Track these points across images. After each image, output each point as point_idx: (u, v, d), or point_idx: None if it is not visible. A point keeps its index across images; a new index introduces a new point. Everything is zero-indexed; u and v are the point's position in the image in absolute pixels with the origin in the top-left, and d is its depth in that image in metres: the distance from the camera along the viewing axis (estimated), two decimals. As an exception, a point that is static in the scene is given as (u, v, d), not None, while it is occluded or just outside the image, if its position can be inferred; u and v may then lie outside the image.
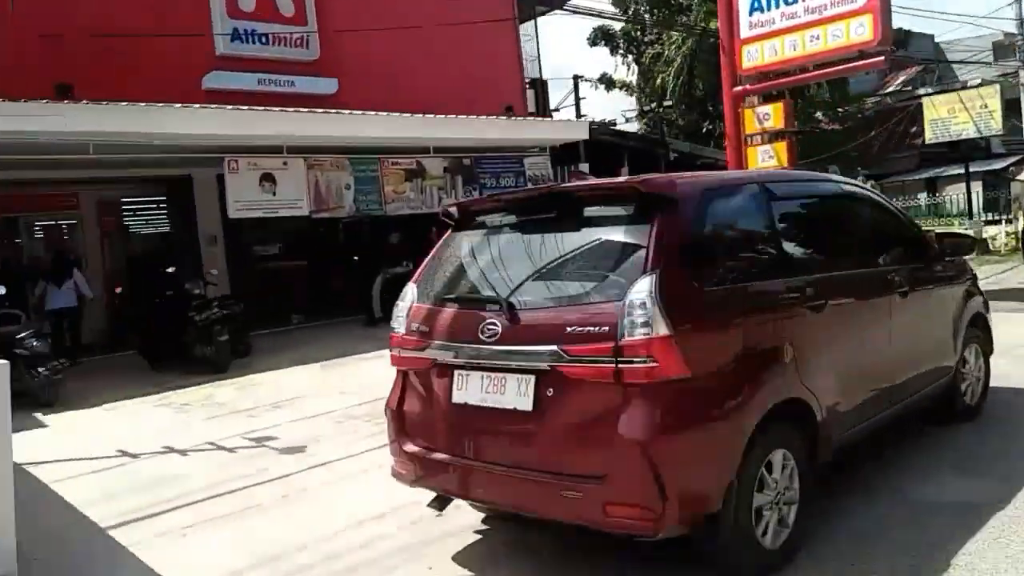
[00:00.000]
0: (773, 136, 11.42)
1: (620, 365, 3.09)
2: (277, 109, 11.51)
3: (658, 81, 28.30)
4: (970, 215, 20.37)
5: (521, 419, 3.36)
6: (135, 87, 11.15)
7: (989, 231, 17.50)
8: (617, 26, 31.56)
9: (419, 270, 4.20)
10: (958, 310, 5.12)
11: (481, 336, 3.49)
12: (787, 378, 3.57)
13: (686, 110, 26.74)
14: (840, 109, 28.21)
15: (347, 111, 12.42)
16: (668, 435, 3.07)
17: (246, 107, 11.17)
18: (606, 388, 3.15)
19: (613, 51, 31.99)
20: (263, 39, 12.63)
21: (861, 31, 9.79)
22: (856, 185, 4.92)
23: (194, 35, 11.70)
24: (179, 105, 10.53)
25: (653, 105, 30.77)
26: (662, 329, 3.07)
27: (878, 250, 4.66)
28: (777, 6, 10.74)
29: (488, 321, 3.49)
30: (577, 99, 16.64)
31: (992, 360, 6.49)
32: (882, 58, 10.08)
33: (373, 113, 12.38)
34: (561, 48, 62.19)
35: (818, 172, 5.00)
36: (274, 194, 11.84)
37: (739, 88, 11.50)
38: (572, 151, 16.78)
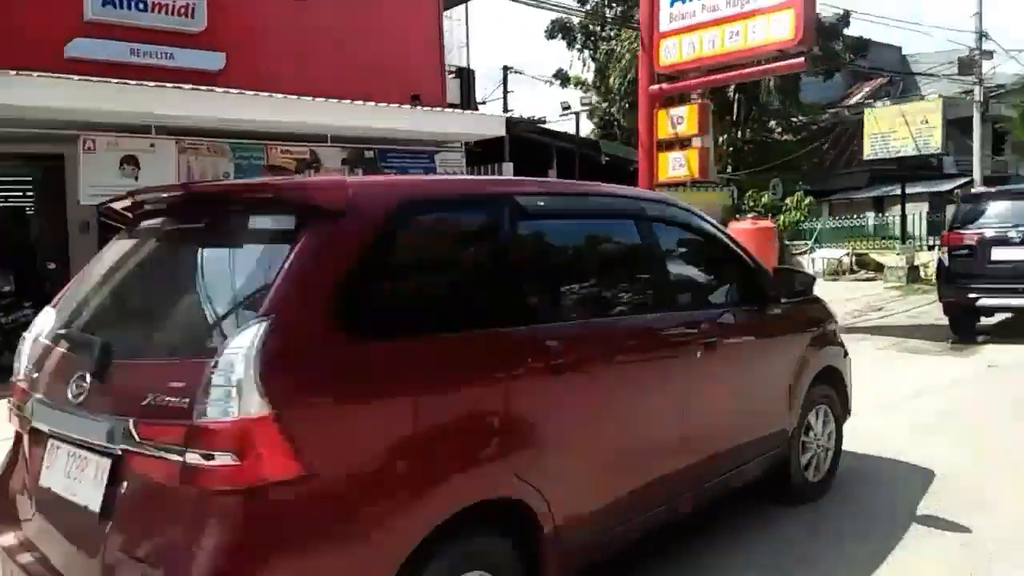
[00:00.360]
0: (684, 142, 10.56)
1: (189, 459, 2.07)
2: (134, 82, 10.29)
3: (611, 80, 27.43)
4: (903, 239, 19.62)
5: (88, 523, 2.31)
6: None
7: (922, 258, 16.75)
8: (576, 19, 30.53)
9: (63, 289, 3.15)
10: (799, 363, 4.11)
11: (70, 394, 2.46)
12: (491, 469, 2.58)
13: (629, 110, 25.71)
14: (793, 119, 27.53)
15: (227, 89, 11.23)
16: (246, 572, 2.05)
17: (95, 78, 9.94)
18: (176, 491, 2.13)
19: (570, 45, 30.92)
20: (140, 5, 11.37)
21: (781, 29, 8.94)
22: (668, 203, 3.86)
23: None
24: (14, 72, 9.31)
25: (600, 103, 29.80)
26: (255, 407, 2.04)
27: (685, 289, 3.70)
28: (701, -4, 9.88)
29: (81, 373, 2.45)
30: (505, 92, 15.63)
31: (873, 415, 5.63)
32: (802, 59, 9.21)
33: (253, 93, 11.19)
34: (520, 41, 61.23)
35: (623, 187, 3.94)
36: (136, 179, 10.64)
37: (655, 87, 10.59)
38: (495, 149, 15.80)
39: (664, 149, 10.69)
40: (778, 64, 9.42)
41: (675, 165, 10.49)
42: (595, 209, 3.46)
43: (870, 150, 20.78)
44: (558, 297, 3.10)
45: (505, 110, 16.19)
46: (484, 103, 19.25)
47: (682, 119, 10.34)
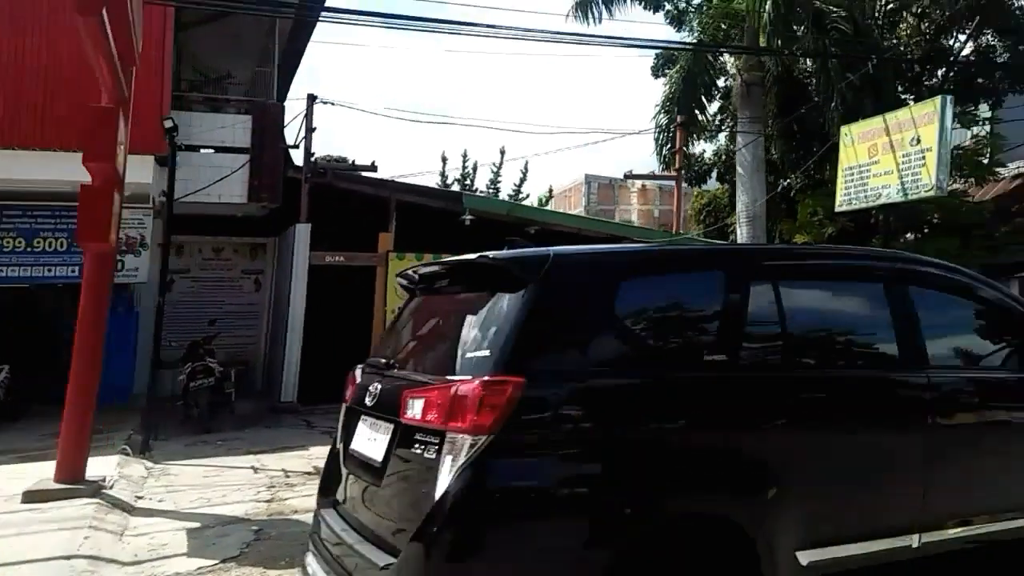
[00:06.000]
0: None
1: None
2: None
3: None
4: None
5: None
6: None
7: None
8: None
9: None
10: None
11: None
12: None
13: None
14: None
15: None
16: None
17: None
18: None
19: None
20: None
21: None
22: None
23: None
24: None
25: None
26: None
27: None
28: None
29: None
30: (308, 128, 12.48)
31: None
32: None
33: None
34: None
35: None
36: None
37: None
38: (291, 203, 12.65)
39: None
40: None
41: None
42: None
43: (843, 198, 12.89)
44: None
45: (308, 156, 12.89)
46: (341, 161, 14.56)
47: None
